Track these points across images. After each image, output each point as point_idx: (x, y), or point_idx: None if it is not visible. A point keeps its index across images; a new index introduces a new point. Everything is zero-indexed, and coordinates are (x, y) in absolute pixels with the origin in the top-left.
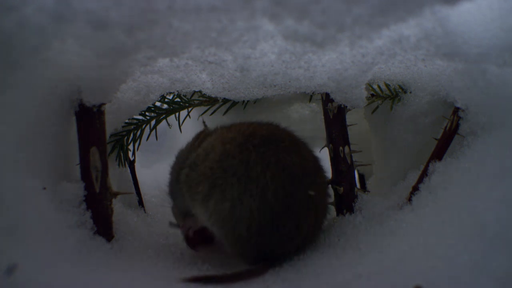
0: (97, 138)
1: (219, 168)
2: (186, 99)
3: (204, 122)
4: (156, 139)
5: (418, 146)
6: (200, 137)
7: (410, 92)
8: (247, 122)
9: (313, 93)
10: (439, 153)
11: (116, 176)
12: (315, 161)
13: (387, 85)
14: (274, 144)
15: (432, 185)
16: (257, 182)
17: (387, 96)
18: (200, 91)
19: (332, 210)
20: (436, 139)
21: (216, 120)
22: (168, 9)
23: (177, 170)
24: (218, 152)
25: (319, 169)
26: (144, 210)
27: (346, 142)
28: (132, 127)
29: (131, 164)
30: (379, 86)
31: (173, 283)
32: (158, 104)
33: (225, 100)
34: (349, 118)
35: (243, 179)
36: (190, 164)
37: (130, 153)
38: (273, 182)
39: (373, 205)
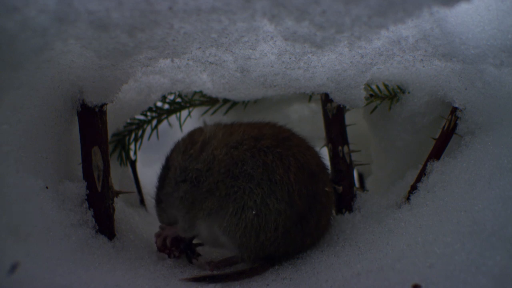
0: (99, 138)
1: (229, 178)
2: (187, 99)
3: (205, 122)
4: (158, 138)
5: (416, 146)
6: (199, 142)
7: (409, 92)
8: (244, 122)
9: (312, 93)
10: (437, 153)
11: (118, 175)
12: (319, 156)
13: (386, 86)
14: (287, 144)
15: (430, 184)
16: (281, 184)
17: (385, 96)
18: (200, 91)
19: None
20: (434, 138)
21: (217, 120)
22: (169, 10)
23: (172, 181)
24: (224, 162)
25: (324, 163)
26: (146, 208)
27: (345, 141)
28: (134, 127)
29: (133, 164)
30: (377, 87)
31: (174, 282)
32: (159, 104)
33: (226, 100)
34: (348, 118)
35: (264, 183)
36: (191, 179)
37: (131, 153)
38: (297, 183)
39: (372, 204)
